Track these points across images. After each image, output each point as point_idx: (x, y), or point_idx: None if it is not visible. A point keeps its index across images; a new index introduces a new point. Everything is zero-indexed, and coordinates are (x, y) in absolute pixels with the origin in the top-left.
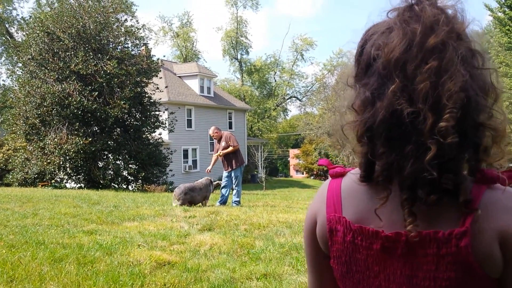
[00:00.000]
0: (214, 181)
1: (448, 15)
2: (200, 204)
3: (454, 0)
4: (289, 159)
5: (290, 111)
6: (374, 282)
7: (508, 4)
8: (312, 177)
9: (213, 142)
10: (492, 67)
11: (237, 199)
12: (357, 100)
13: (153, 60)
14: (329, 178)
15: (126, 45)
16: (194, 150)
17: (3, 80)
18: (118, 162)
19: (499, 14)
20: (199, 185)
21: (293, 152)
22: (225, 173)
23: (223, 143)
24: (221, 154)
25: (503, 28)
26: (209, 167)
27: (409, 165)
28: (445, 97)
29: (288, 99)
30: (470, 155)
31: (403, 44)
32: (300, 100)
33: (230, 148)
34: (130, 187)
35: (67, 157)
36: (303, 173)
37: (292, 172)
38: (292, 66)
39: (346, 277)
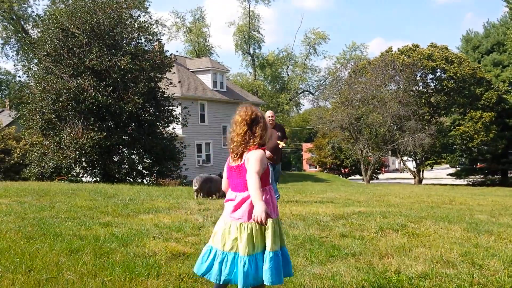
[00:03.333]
0: None
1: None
2: (214, 196)
3: None
4: (302, 153)
5: (303, 105)
6: None
7: None
8: (325, 171)
9: (226, 137)
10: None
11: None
12: None
13: (166, 56)
14: None
15: (139, 41)
16: (208, 144)
17: (19, 76)
18: (132, 156)
19: None
20: (217, 179)
21: (306, 146)
22: (271, 166)
23: (279, 133)
24: (284, 143)
25: None
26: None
27: None
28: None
29: (301, 93)
30: None
31: None
32: (313, 94)
33: (285, 140)
34: (145, 180)
35: (83, 152)
36: (316, 167)
37: (305, 166)
38: (305, 60)
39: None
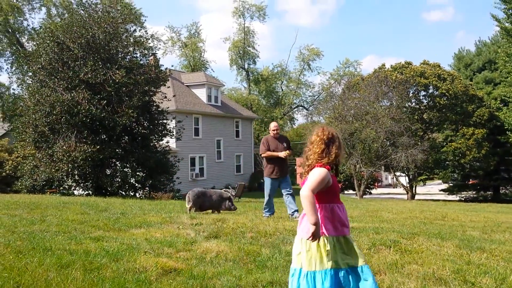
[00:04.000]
0: (222, 189)
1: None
2: (210, 211)
3: None
4: (295, 167)
5: (297, 120)
6: None
7: None
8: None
9: (220, 151)
10: None
11: (296, 208)
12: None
13: (161, 70)
14: None
15: (134, 55)
16: (201, 158)
17: (13, 89)
18: (125, 169)
19: (506, 24)
20: (211, 193)
21: (299, 160)
22: (273, 181)
23: (284, 144)
24: (289, 153)
25: (510, 38)
26: (283, 154)
27: None
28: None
29: (295, 108)
30: None
31: None
32: (307, 109)
33: (290, 151)
34: (137, 194)
35: (75, 165)
36: None
37: (299, 180)
38: (299, 75)
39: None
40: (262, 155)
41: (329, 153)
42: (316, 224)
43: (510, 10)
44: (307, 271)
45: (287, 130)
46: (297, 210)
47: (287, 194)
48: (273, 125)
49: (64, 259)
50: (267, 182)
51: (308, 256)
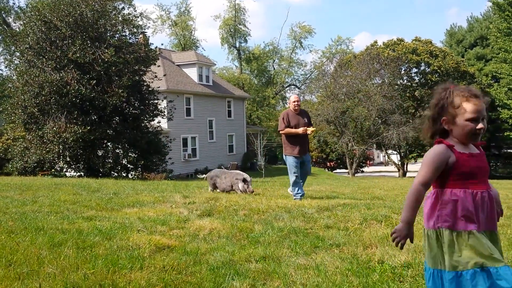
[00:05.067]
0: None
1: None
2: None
3: None
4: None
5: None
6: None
7: None
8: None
9: (212, 131)
10: None
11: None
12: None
13: (151, 49)
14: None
15: (123, 34)
16: (194, 138)
17: (1, 69)
18: (117, 150)
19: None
20: (226, 174)
21: None
22: (296, 160)
23: (305, 119)
24: (312, 130)
25: (502, 13)
26: (300, 130)
27: None
28: None
29: (287, 87)
30: None
31: None
32: (299, 88)
33: (313, 128)
34: (129, 175)
35: (66, 146)
36: None
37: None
38: (291, 54)
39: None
40: (281, 132)
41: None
42: (404, 222)
43: None
44: (432, 268)
45: (279, 110)
46: (302, 194)
47: (305, 174)
48: (293, 97)
49: (57, 238)
50: (290, 161)
51: (429, 249)
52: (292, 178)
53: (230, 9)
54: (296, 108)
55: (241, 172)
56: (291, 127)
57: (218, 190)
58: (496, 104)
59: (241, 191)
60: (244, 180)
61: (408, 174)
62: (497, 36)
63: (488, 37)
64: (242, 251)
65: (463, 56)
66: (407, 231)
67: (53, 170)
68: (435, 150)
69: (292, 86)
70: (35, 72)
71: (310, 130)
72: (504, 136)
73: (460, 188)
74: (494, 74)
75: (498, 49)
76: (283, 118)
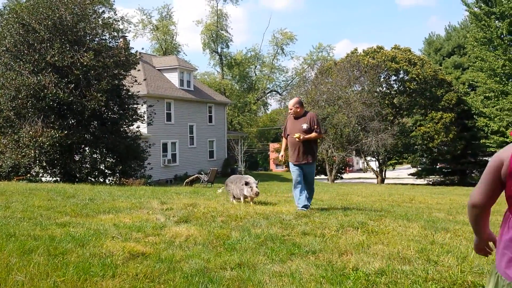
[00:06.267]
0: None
1: None
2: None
3: None
4: (269, 153)
5: (271, 105)
6: None
7: None
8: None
9: (193, 136)
10: None
11: (308, 203)
12: None
13: (131, 53)
14: None
15: (103, 37)
16: (174, 143)
17: None
18: (95, 155)
19: (475, 9)
20: (236, 180)
21: (273, 146)
22: (294, 167)
23: (304, 125)
24: (301, 137)
25: (479, 23)
26: (282, 152)
27: None
28: None
29: (268, 93)
30: None
31: None
32: (280, 94)
33: (314, 135)
34: (107, 180)
35: (43, 150)
36: (283, 167)
37: (272, 166)
38: (273, 60)
39: None
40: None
41: None
42: (476, 234)
43: None
44: None
45: (260, 115)
46: (306, 207)
47: (306, 186)
48: (290, 103)
49: (28, 244)
50: (290, 168)
51: None
52: (292, 188)
53: (212, 15)
54: (293, 114)
55: (245, 176)
56: (288, 134)
57: (235, 199)
58: (473, 112)
59: (245, 195)
60: (247, 183)
61: (386, 181)
62: (473, 45)
63: (465, 46)
64: (218, 259)
65: (441, 65)
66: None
67: (28, 175)
68: None
69: (274, 92)
70: (11, 75)
71: (296, 136)
72: (480, 143)
73: None
74: (470, 82)
75: (474, 58)
76: (284, 124)
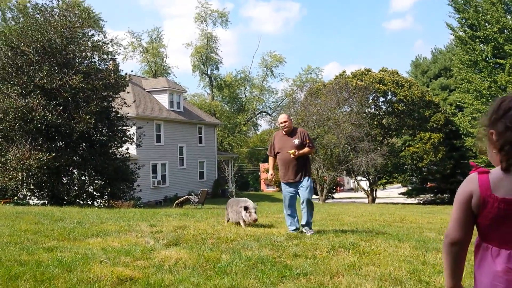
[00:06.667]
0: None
1: None
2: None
3: None
4: (259, 173)
5: (261, 125)
6: (510, 228)
7: (469, 23)
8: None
9: (183, 157)
10: None
11: (310, 219)
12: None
13: (121, 75)
14: (475, 173)
15: (93, 60)
16: (163, 165)
17: None
18: (83, 177)
19: (460, 33)
20: (234, 203)
21: (263, 166)
22: (286, 187)
23: (296, 141)
24: (296, 153)
25: (464, 46)
26: (271, 171)
27: None
28: None
29: (258, 114)
30: None
31: None
32: (270, 115)
33: (307, 150)
34: (95, 203)
35: (30, 173)
36: (274, 187)
37: (263, 186)
38: (262, 81)
39: (491, 227)
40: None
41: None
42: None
43: (464, 19)
44: None
45: (251, 136)
46: (309, 224)
47: (303, 200)
48: (281, 117)
49: (14, 270)
50: (283, 189)
51: None
52: (284, 210)
53: (202, 38)
54: (285, 129)
55: (244, 199)
56: (277, 151)
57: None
58: (461, 132)
59: (244, 221)
60: (246, 208)
61: (377, 201)
62: (459, 68)
63: (451, 68)
64: (208, 282)
65: (428, 86)
66: None
67: (15, 198)
68: None
69: (264, 113)
70: None
71: (291, 152)
72: (469, 163)
73: None
74: (458, 103)
75: (461, 80)
76: (271, 142)
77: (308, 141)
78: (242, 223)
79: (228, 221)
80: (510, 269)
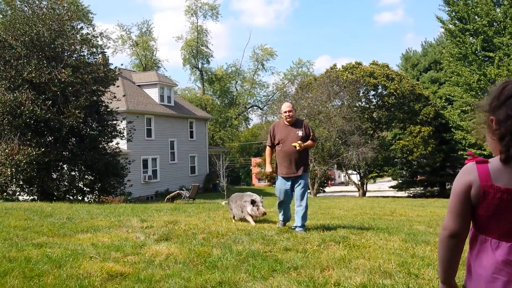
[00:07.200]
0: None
1: None
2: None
3: None
4: (251, 167)
5: (252, 120)
6: (511, 219)
7: (458, 16)
8: (274, 185)
9: (174, 152)
10: None
11: (304, 222)
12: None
13: (111, 69)
14: (473, 163)
15: (82, 53)
16: (154, 159)
17: None
18: (73, 173)
19: (450, 26)
20: (238, 198)
21: (255, 160)
22: (284, 181)
23: (300, 132)
24: (302, 145)
25: (454, 39)
26: (269, 167)
27: None
28: None
29: (249, 108)
30: None
31: None
32: (261, 109)
33: (310, 142)
34: (86, 198)
35: (19, 168)
36: (265, 181)
37: (254, 180)
38: (253, 75)
39: (491, 219)
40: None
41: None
42: (444, 282)
43: (454, 12)
44: None
45: (242, 130)
46: (302, 226)
47: (297, 199)
48: (284, 106)
49: (3, 266)
50: (277, 182)
51: None
52: (277, 205)
53: (192, 31)
54: (289, 119)
55: (250, 193)
56: (277, 142)
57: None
58: (450, 125)
59: (250, 215)
60: (253, 202)
61: (368, 194)
62: (449, 61)
63: (441, 61)
64: (199, 277)
65: (418, 80)
66: None
67: (5, 194)
68: None
69: (255, 107)
70: None
71: (297, 144)
72: (458, 155)
73: None
74: (447, 96)
75: (450, 73)
76: (269, 131)
77: (312, 134)
78: (250, 219)
79: (233, 217)
80: (511, 261)
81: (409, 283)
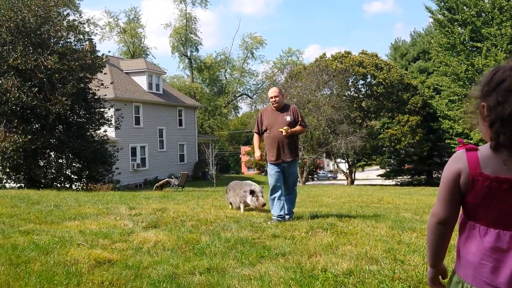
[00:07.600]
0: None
1: None
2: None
3: None
4: (240, 156)
5: (241, 108)
6: (499, 207)
7: (447, 6)
8: (263, 174)
9: (163, 140)
10: None
11: (291, 210)
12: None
13: (98, 56)
14: (463, 150)
15: (68, 40)
16: (143, 147)
17: None
18: (60, 160)
19: (439, 16)
20: (236, 187)
21: (244, 149)
22: (276, 167)
23: (288, 117)
24: (289, 131)
25: (443, 29)
26: (258, 152)
27: None
28: None
29: (239, 96)
30: None
31: None
32: (250, 98)
33: (299, 128)
34: (73, 186)
35: (6, 156)
36: (254, 170)
37: (244, 168)
38: (243, 64)
39: (479, 206)
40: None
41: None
42: (433, 266)
43: (442, 2)
44: None
45: (231, 119)
46: (291, 213)
47: (287, 188)
48: (271, 91)
49: None
50: (268, 168)
51: None
52: (269, 192)
53: (181, 18)
54: (275, 105)
55: (250, 182)
56: (265, 128)
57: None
58: (438, 115)
59: (249, 206)
60: (252, 192)
61: (356, 182)
62: (438, 51)
63: (430, 51)
64: (187, 264)
65: (406, 69)
66: (436, 280)
67: None
68: None
69: (244, 96)
70: None
71: (283, 130)
72: (446, 144)
73: None
74: (435, 86)
75: (439, 63)
76: (257, 117)
77: (300, 119)
78: (241, 207)
79: (231, 205)
80: (498, 247)
81: (395, 269)
